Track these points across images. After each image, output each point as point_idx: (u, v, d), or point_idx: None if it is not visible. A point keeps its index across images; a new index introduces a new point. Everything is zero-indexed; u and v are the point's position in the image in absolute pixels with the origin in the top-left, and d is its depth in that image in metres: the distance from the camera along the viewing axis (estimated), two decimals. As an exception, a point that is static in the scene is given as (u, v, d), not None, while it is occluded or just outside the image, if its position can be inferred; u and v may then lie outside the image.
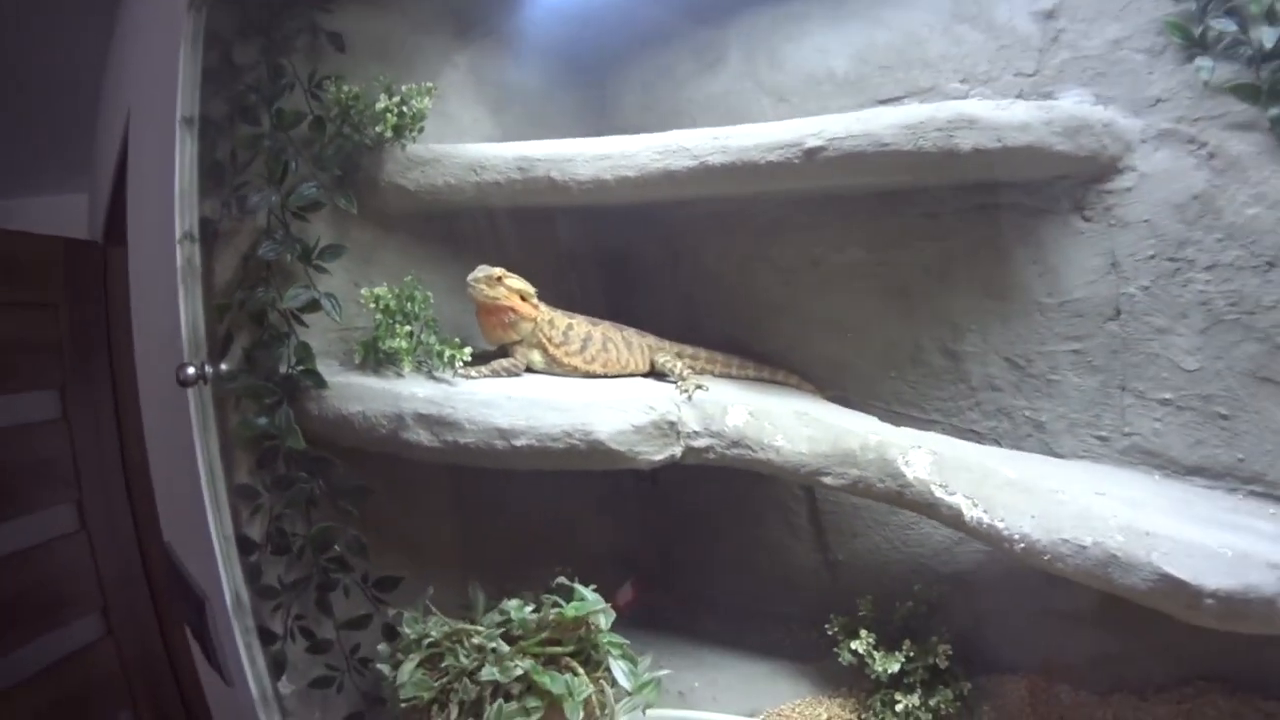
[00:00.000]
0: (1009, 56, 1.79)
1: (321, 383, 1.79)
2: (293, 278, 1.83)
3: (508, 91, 2.24)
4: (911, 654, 1.81)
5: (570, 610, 1.68)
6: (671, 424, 1.75)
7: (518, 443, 1.68)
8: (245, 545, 1.82)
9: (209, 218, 1.82)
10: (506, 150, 1.91)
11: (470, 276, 1.84)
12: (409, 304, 1.85)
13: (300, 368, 1.79)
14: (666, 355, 1.98)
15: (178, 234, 1.77)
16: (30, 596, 2.64)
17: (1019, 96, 1.76)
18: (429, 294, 1.87)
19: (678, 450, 1.75)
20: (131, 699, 2.87)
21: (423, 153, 1.92)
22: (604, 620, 1.68)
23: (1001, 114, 1.64)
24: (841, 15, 1.99)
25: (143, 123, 2.16)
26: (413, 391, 1.76)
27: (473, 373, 1.85)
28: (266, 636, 1.84)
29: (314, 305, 1.81)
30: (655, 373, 2.00)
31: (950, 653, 1.79)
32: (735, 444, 1.78)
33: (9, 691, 2.52)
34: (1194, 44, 1.59)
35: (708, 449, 1.78)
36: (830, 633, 1.91)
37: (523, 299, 1.87)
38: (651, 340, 2.01)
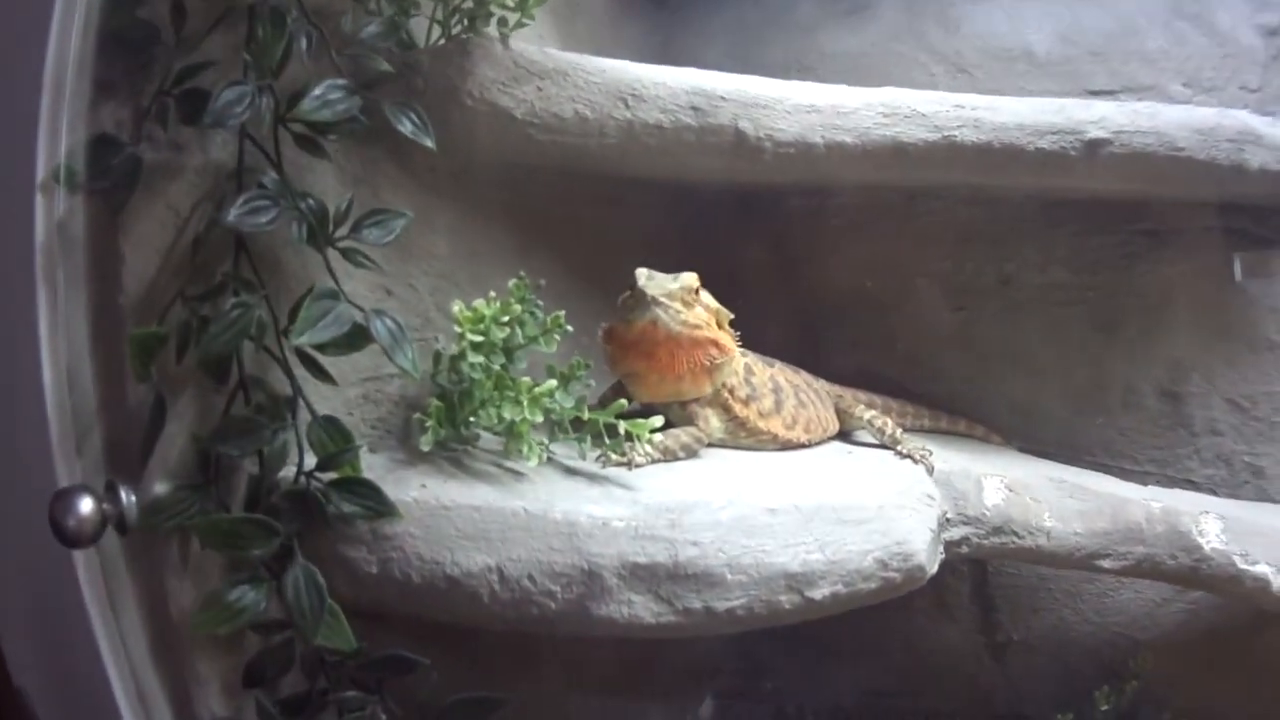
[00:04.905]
0: (1234, 66, 1.27)
1: (389, 509, 0.65)
2: (289, 274, 0.68)
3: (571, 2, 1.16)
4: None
5: None
6: (945, 515, 0.91)
7: (816, 594, 0.71)
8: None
9: (113, 136, 0.63)
10: (676, 78, 0.89)
11: (650, 288, 0.80)
12: (520, 329, 0.77)
13: (327, 474, 0.65)
14: (861, 408, 1.06)
15: (39, 173, 0.57)
16: None
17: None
18: (561, 315, 0.78)
19: (941, 549, 0.90)
20: None
21: (539, 58, 0.83)
22: None
23: (1276, 132, 1.11)
24: (1044, -19, 1.28)
25: None
26: (591, 512, 0.69)
27: (637, 458, 0.80)
28: None
29: (356, 338, 0.67)
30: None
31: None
32: (997, 530, 0.97)
33: None
34: None
35: (961, 541, 0.95)
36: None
37: (719, 325, 0.87)
38: (824, 385, 1.09)
